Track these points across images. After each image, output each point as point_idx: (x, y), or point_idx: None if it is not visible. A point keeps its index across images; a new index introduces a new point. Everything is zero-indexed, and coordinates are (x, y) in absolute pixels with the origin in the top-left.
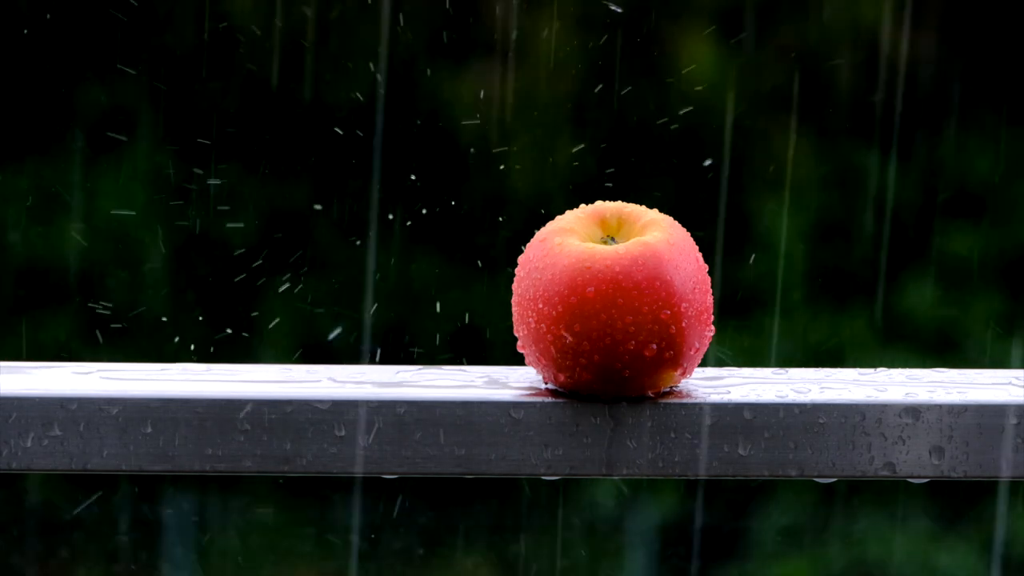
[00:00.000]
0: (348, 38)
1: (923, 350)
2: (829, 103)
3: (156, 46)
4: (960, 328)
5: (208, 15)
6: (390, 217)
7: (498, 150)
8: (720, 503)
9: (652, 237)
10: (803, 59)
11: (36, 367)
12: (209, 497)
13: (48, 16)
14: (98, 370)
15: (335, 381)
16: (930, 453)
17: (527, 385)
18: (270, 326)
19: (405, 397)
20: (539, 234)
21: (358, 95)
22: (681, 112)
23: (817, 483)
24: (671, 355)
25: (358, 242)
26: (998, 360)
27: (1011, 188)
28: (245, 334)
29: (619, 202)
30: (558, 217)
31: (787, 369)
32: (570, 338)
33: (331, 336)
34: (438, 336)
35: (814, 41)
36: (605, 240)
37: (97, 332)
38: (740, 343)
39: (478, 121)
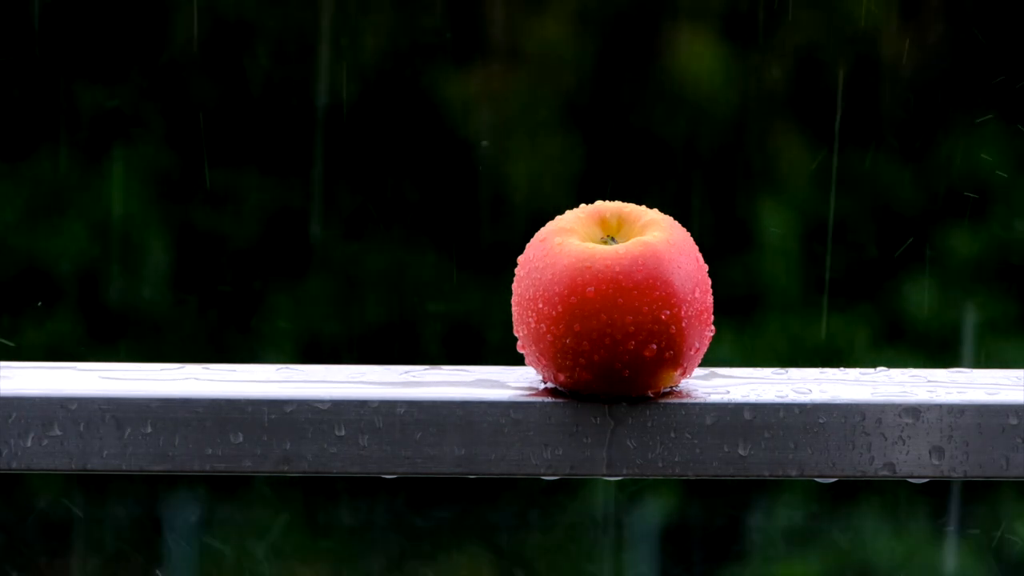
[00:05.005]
0: (348, 38)
1: (923, 350)
2: (829, 103)
3: (155, 46)
4: (960, 328)
5: (208, 15)
6: (390, 217)
7: (498, 150)
8: (720, 503)
9: (652, 237)
10: (803, 59)
11: (36, 367)
12: (209, 497)
13: (48, 16)
14: (98, 370)
15: (335, 381)
16: (930, 453)
17: (527, 385)
18: (270, 326)
19: (405, 397)
20: (539, 234)
21: (359, 94)
22: (681, 112)
23: (817, 483)
24: (671, 355)
25: (358, 242)
26: (998, 360)
27: (1011, 188)
28: (245, 334)
29: (619, 202)
30: (558, 217)
31: (787, 369)
32: (570, 338)
33: (331, 336)
34: (438, 336)
35: (814, 41)
36: (605, 240)
37: (97, 332)
38: (740, 343)
39: (478, 121)
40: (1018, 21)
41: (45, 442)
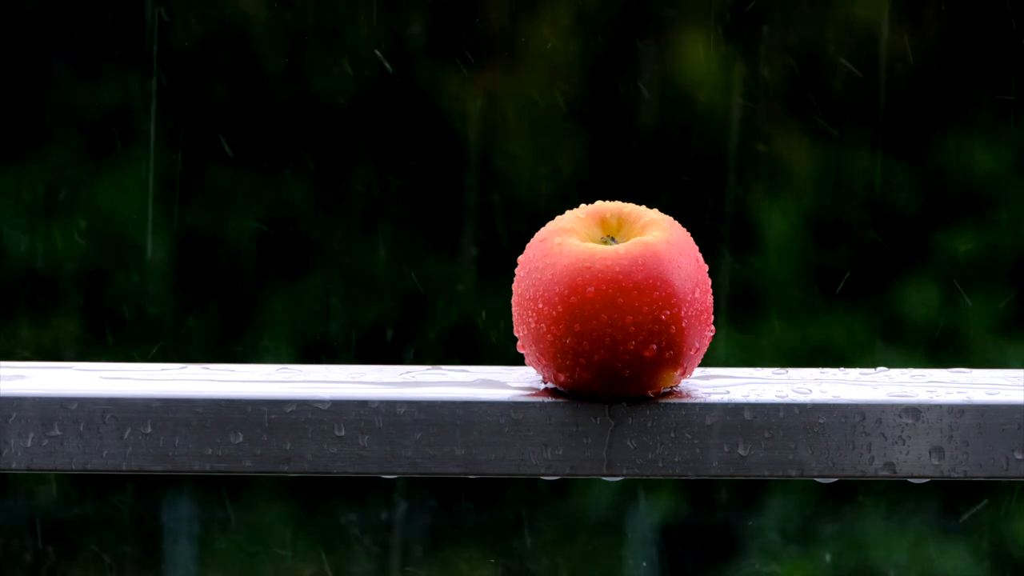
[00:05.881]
0: (349, 37)
1: (923, 350)
2: (829, 103)
3: (155, 44)
4: (960, 328)
5: (208, 13)
6: (390, 217)
7: (498, 150)
8: (720, 503)
9: (652, 237)
10: (803, 59)
11: (36, 367)
12: (209, 497)
13: (48, 15)
14: (98, 370)
15: (335, 381)
16: (930, 453)
17: (527, 385)
18: (270, 326)
19: (405, 397)
20: (539, 234)
21: (358, 94)
22: (681, 112)
23: (817, 483)
24: (671, 355)
25: (358, 242)
26: (998, 360)
27: (1011, 188)
28: (245, 334)
29: (619, 202)
30: (558, 217)
31: (787, 369)
32: (570, 338)
33: (331, 336)
34: (437, 336)
35: (814, 41)
36: (605, 240)
37: (98, 332)
38: (740, 343)
39: (478, 121)
40: (1018, 20)
41: (45, 442)
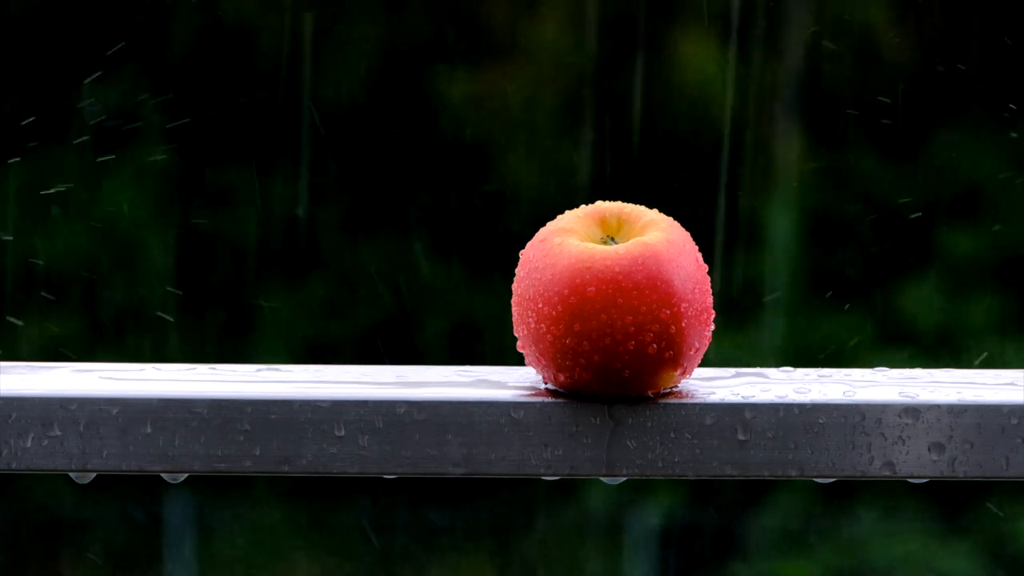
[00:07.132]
0: (349, 37)
1: (923, 350)
2: (829, 102)
3: (156, 46)
4: (960, 328)
5: (208, 15)
6: (390, 217)
7: (498, 150)
8: (720, 503)
9: (652, 237)
10: (803, 58)
11: (36, 367)
12: (209, 497)
13: (50, 15)
14: (98, 370)
15: (335, 381)
16: (930, 453)
17: (527, 385)
18: (270, 326)
19: (405, 397)
20: (539, 234)
21: (358, 95)
22: (681, 112)
23: (817, 483)
24: (671, 355)
25: (358, 242)
26: (998, 360)
27: (1011, 188)
28: (245, 334)
29: (619, 202)
30: (558, 217)
31: (787, 369)
32: (570, 338)
33: (331, 336)
34: (438, 336)
35: (814, 40)
36: (605, 240)
37: (97, 332)
38: (740, 343)
39: (478, 120)
40: (1018, 19)
41: (45, 442)
